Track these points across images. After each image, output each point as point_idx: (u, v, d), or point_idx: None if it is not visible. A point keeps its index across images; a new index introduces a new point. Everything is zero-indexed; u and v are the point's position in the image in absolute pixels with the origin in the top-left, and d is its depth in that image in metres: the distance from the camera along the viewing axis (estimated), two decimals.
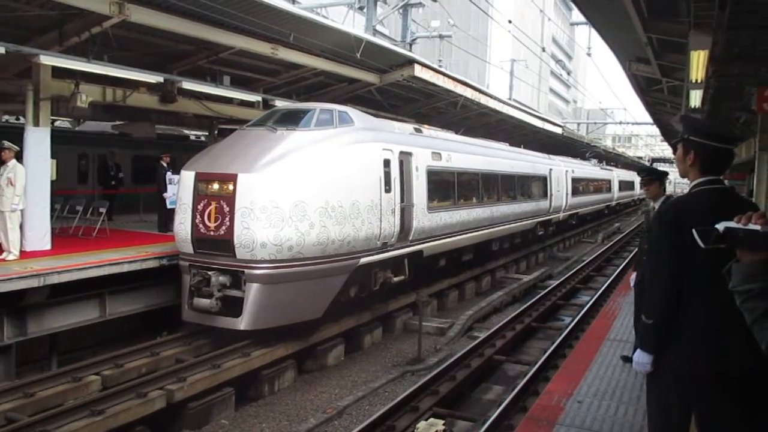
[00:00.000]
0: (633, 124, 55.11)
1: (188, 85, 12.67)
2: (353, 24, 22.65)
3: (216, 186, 9.44)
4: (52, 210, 11.32)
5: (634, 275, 6.84)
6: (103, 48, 10.99)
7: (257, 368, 9.24)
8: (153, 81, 12.01)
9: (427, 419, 7.72)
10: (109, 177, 16.71)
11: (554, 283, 17.27)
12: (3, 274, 8.47)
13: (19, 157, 10.02)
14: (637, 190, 53.79)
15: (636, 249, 7.54)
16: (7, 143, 9.85)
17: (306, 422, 8.03)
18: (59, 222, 12.68)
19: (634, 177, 52.31)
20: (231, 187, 9.22)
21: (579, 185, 28.73)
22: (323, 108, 10.90)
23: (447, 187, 14.13)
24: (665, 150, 72.55)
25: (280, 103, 13.78)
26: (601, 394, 6.07)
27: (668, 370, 3.14)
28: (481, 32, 67.23)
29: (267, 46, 12.50)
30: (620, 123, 58.66)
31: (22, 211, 9.90)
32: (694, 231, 2.20)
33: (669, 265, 3.08)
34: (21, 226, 9.97)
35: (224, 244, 9.20)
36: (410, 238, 12.09)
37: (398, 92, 18.34)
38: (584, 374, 6.67)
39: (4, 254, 9.66)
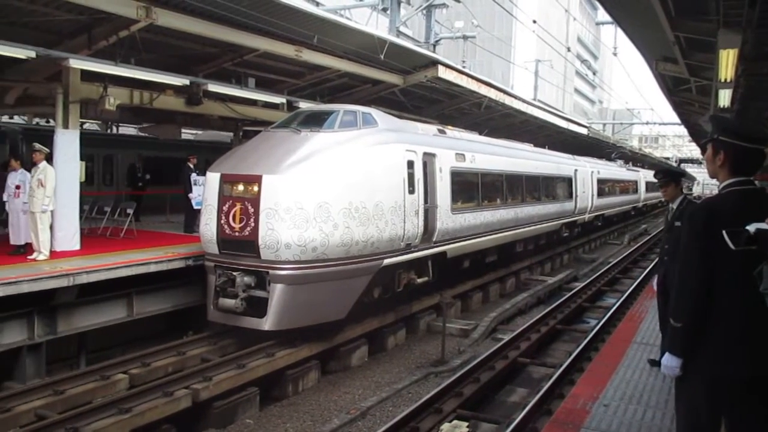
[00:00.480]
0: (660, 124, 54.30)
1: (214, 87, 12.81)
2: (377, 25, 22.68)
3: (241, 187, 9.51)
4: (81, 211, 11.52)
5: (656, 277, 6.78)
6: (130, 51, 11.15)
7: (282, 368, 9.29)
8: (179, 83, 12.16)
9: (451, 421, 7.71)
10: (137, 179, 16.94)
11: (579, 285, 17.09)
12: (34, 273, 8.64)
13: (49, 159, 10.22)
14: None
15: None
16: (38, 145, 10.06)
17: (330, 422, 8.05)
18: (88, 223, 12.90)
19: None
20: (256, 188, 9.29)
21: (605, 186, 28.40)
22: (347, 109, 10.93)
23: (471, 188, 14.06)
24: (693, 150, 71.54)
25: (305, 105, 13.85)
26: (627, 398, 5.99)
27: (698, 374, 3.09)
28: (505, 33, 66.86)
29: (291, 48, 12.58)
30: (647, 123, 57.80)
31: (52, 211, 10.10)
32: (724, 233, 2.17)
33: (699, 268, 3.04)
34: (51, 227, 10.16)
35: (249, 244, 9.27)
36: (434, 240, 12.06)
37: (422, 93, 18.31)
38: (610, 377, 6.58)
39: (35, 254, 9.86)
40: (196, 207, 13.03)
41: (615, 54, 31.43)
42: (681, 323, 3.10)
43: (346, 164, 9.80)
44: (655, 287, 6.87)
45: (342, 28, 12.56)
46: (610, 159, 37.20)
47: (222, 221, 9.54)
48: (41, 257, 9.81)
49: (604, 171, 28.65)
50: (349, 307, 10.11)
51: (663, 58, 12.02)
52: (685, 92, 15.14)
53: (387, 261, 10.54)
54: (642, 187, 40.02)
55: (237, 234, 9.39)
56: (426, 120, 17.38)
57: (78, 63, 10.24)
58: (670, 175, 6.47)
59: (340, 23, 12.53)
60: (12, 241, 10.27)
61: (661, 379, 6.37)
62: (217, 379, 8.29)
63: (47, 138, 11.02)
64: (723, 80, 8.98)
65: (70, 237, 10.74)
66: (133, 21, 9.92)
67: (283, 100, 14.53)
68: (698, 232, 3.05)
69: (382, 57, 13.63)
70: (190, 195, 13.50)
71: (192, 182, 13.47)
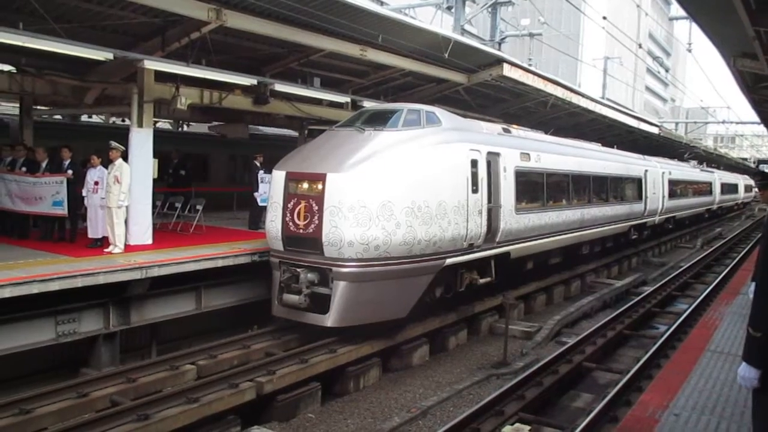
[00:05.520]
0: (737, 123, 51.96)
1: (280, 87, 13.06)
2: (441, 24, 22.60)
3: (306, 185, 9.65)
4: (153, 206, 11.96)
5: (753, 285, 6.49)
6: (201, 52, 11.50)
7: (343, 365, 9.38)
8: (247, 83, 12.45)
9: (512, 424, 7.60)
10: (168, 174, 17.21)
11: (648, 289, 16.52)
12: (110, 266, 9.05)
13: (125, 156, 10.66)
14: (741, 193, 50.69)
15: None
16: (114, 143, 10.51)
17: (390, 420, 8.07)
18: (159, 218, 13.38)
19: (738, 179, 49.31)
20: (320, 186, 9.40)
21: (677, 188, 27.37)
22: (411, 108, 10.92)
23: (536, 188, 13.82)
24: None
25: (369, 104, 13.94)
26: (700, 408, 5.75)
27: None
28: (573, 29, 65.41)
29: (356, 47, 12.68)
30: (723, 122, 55.43)
31: (127, 207, 10.53)
32: None
33: None
34: (126, 222, 10.60)
35: (313, 242, 9.40)
36: (497, 240, 11.92)
37: (486, 92, 18.14)
38: (682, 386, 6.33)
39: (111, 247, 10.31)
40: (261, 204, 13.31)
41: (689, 50, 30.30)
42: (761, 333, 2.96)
43: (410, 163, 9.79)
44: (750, 293, 6.61)
45: (406, 27, 12.57)
46: (682, 159, 35.84)
47: (287, 218, 9.70)
48: (116, 250, 10.24)
49: (676, 172, 27.62)
50: (410, 305, 10.11)
51: (741, 54, 11.48)
52: (766, 90, 14.43)
53: (449, 260, 10.49)
54: (717, 189, 38.38)
55: (301, 231, 9.53)
56: (490, 119, 17.19)
57: (152, 64, 10.63)
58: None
59: (404, 22, 12.55)
60: (90, 235, 10.76)
61: (737, 390, 6.09)
62: (281, 373, 8.44)
63: None
64: None
65: (143, 231, 11.17)
66: (204, 23, 10.23)
67: (348, 99, 14.67)
68: None
69: (446, 56, 13.57)
70: (256, 193, 13.79)
71: (259, 180, 13.76)
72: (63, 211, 10.84)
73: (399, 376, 10.16)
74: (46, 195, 10.87)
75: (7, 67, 12.01)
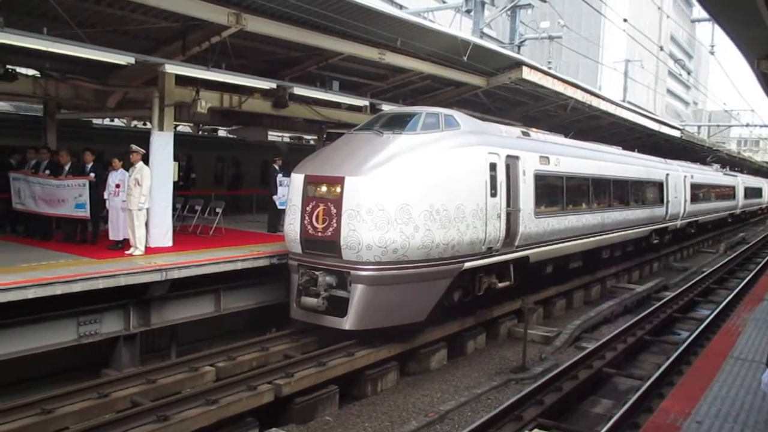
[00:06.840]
0: (761, 126, 51.20)
1: (299, 90, 13.12)
2: (460, 27, 22.57)
3: (324, 188, 9.67)
4: (173, 209, 12.06)
5: None
6: (221, 56, 11.59)
7: (361, 368, 9.38)
8: (267, 87, 12.52)
9: (531, 429, 7.54)
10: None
11: (670, 294, 16.31)
12: (130, 268, 9.14)
13: (145, 159, 10.77)
14: (766, 197, 49.94)
15: None
16: (134, 146, 10.63)
17: (408, 424, 8.05)
18: (179, 221, 13.49)
19: (762, 183, 48.60)
20: (338, 189, 9.41)
21: (699, 191, 27.01)
22: (429, 112, 10.90)
23: (555, 192, 13.71)
24: None
25: (387, 107, 13.95)
26: (723, 416, 5.65)
27: None
28: (593, 32, 64.93)
29: (375, 51, 12.71)
30: (746, 125, 54.65)
31: (147, 209, 10.63)
32: None
33: None
34: (146, 224, 10.70)
35: (331, 245, 9.40)
36: (516, 244, 11.84)
37: (505, 95, 18.08)
38: (704, 393, 6.24)
39: (131, 249, 10.42)
40: (280, 207, 13.37)
41: (712, 53, 29.95)
42: None
43: (428, 166, 9.77)
44: None
45: (425, 31, 12.58)
46: (705, 163, 35.40)
47: (305, 221, 9.72)
48: (137, 252, 10.35)
49: (698, 175, 27.28)
50: (428, 309, 10.08)
51: (765, 57, 11.34)
52: None
53: (468, 264, 10.44)
54: (740, 193, 37.84)
55: (320, 234, 9.54)
56: (509, 122, 17.12)
57: (173, 68, 10.74)
58: None
59: (423, 26, 12.56)
60: (111, 237, 10.89)
61: (761, 398, 5.99)
62: (299, 375, 8.46)
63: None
64: None
65: (163, 234, 11.27)
66: (224, 27, 10.32)
67: (366, 103, 14.70)
68: None
69: (465, 59, 13.55)
70: (275, 196, 13.85)
71: (278, 183, 13.81)
72: (85, 213, 10.97)
73: (417, 379, 10.14)
74: (69, 197, 11.02)
75: (31, 72, 12.22)
